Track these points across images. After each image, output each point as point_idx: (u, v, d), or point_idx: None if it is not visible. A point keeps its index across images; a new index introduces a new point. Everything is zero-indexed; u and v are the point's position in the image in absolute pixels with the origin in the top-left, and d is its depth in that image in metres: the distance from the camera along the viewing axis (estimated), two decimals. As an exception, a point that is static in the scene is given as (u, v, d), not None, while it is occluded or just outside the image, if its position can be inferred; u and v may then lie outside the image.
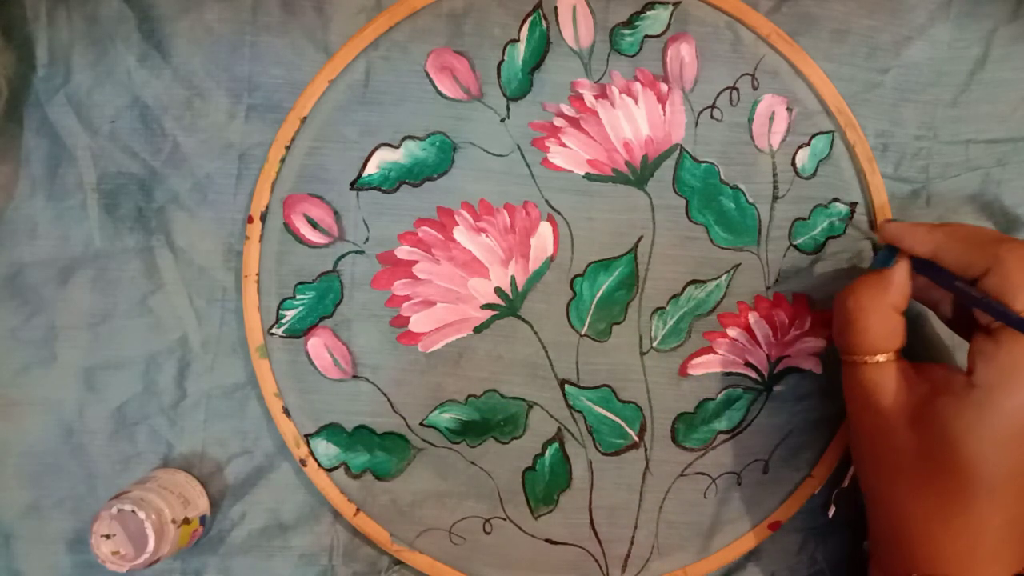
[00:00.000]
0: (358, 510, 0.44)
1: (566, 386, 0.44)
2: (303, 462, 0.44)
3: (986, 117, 0.45)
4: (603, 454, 0.44)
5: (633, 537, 0.45)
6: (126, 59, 0.44)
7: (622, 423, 0.44)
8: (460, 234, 0.44)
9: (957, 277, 0.37)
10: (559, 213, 0.44)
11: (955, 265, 0.37)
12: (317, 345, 0.44)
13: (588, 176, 0.44)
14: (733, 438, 0.45)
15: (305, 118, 0.44)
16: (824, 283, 0.45)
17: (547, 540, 0.45)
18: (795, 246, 0.45)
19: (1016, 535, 0.36)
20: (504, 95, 0.44)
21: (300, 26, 0.44)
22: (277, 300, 0.44)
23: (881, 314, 0.38)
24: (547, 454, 0.44)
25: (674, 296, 0.45)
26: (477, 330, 0.44)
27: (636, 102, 0.44)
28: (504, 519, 0.44)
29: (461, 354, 0.44)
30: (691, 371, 0.45)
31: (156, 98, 0.44)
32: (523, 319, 0.44)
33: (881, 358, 0.38)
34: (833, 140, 0.45)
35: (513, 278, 0.44)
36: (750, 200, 0.45)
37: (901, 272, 0.39)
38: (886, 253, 0.40)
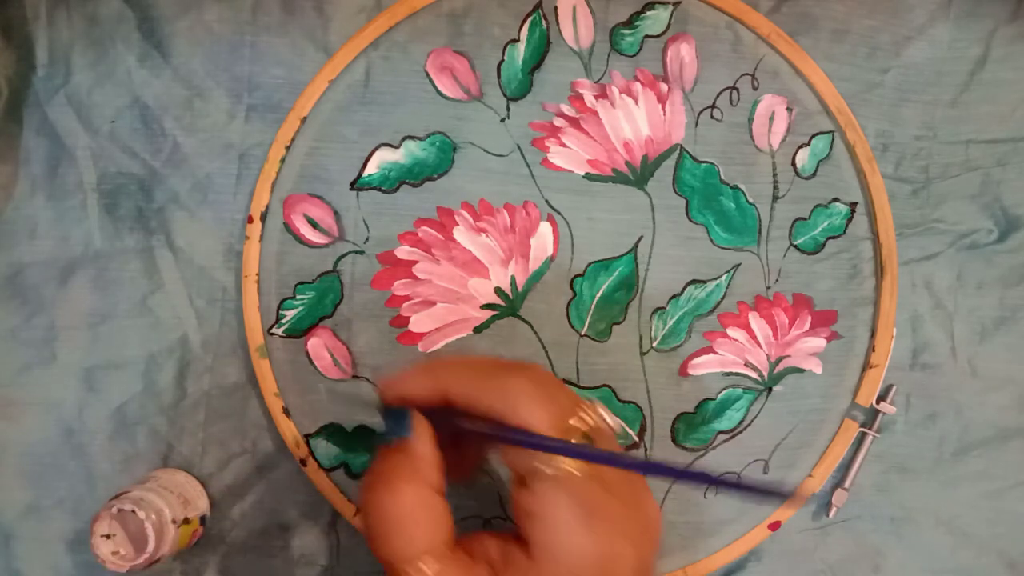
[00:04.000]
0: (358, 510, 0.44)
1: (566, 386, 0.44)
2: (303, 462, 0.44)
3: (986, 117, 0.45)
4: (603, 454, 0.44)
5: (633, 537, 0.45)
6: (126, 59, 0.44)
7: (622, 423, 0.44)
8: (460, 234, 0.44)
9: (471, 417, 0.31)
10: (559, 213, 0.44)
11: (466, 403, 0.31)
12: (317, 345, 0.44)
13: (588, 176, 0.44)
14: (733, 438, 0.45)
15: (305, 118, 0.44)
16: (824, 283, 0.45)
17: (547, 540, 0.45)
18: (795, 246, 0.45)
19: None
20: (504, 95, 0.44)
21: (300, 26, 0.44)
22: (277, 300, 0.44)
23: (418, 503, 0.30)
24: (547, 454, 0.44)
25: (674, 296, 0.45)
26: (477, 330, 0.44)
27: (636, 102, 0.44)
28: (504, 519, 0.44)
29: (461, 354, 0.44)
30: (691, 371, 0.45)
31: (156, 98, 0.44)
32: (523, 319, 0.44)
33: (426, 567, 0.30)
34: (833, 140, 0.45)
35: (513, 278, 0.44)
36: (750, 200, 0.45)
37: (423, 441, 0.31)
38: (395, 418, 0.32)
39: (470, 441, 0.35)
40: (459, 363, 0.34)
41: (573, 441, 0.30)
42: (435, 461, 0.32)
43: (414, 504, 0.30)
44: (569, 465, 0.29)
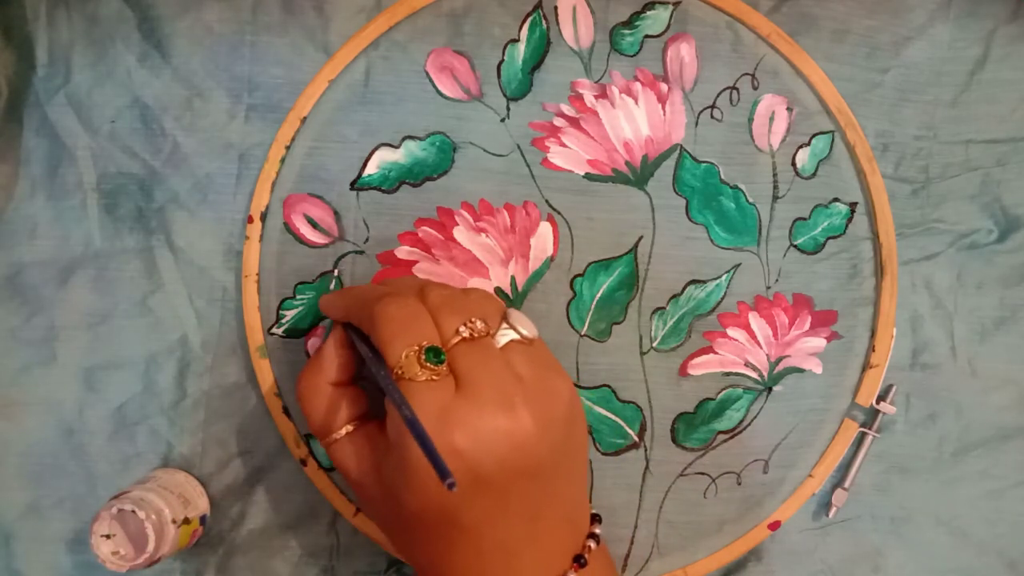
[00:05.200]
0: (358, 510, 0.44)
1: (566, 386, 0.44)
2: (303, 462, 0.44)
3: (986, 117, 0.45)
4: (603, 454, 0.44)
5: (633, 537, 0.45)
6: (126, 59, 0.44)
7: (622, 423, 0.44)
8: (460, 234, 0.44)
9: (363, 338, 0.36)
10: (559, 213, 0.44)
11: (357, 325, 0.37)
12: (317, 345, 0.44)
13: (588, 176, 0.44)
14: (733, 438, 0.45)
15: (305, 118, 0.44)
16: (824, 283, 0.45)
17: (547, 540, 0.45)
18: (795, 246, 0.45)
19: (520, 544, 0.35)
20: (504, 95, 0.44)
21: (300, 26, 0.44)
22: (277, 300, 0.44)
23: (319, 394, 0.37)
24: (547, 454, 0.44)
25: (674, 296, 0.45)
26: (477, 330, 0.44)
27: (636, 102, 0.44)
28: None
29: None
30: (691, 371, 0.45)
31: (156, 98, 0.44)
32: (523, 319, 0.44)
33: (337, 435, 0.37)
34: (833, 140, 0.45)
35: (513, 278, 0.44)
36: (750, 200, 0.45)
37: (328, 346, 0.38)
38: (330, 326, 0.39)
39: None
40: (356, 290, 0.39)
41: (455, 342, 0.34)
42: (336, 360, 0.38)
43: (309, 394, 0.37)
44: (416, 374, 0.33)
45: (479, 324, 0.35)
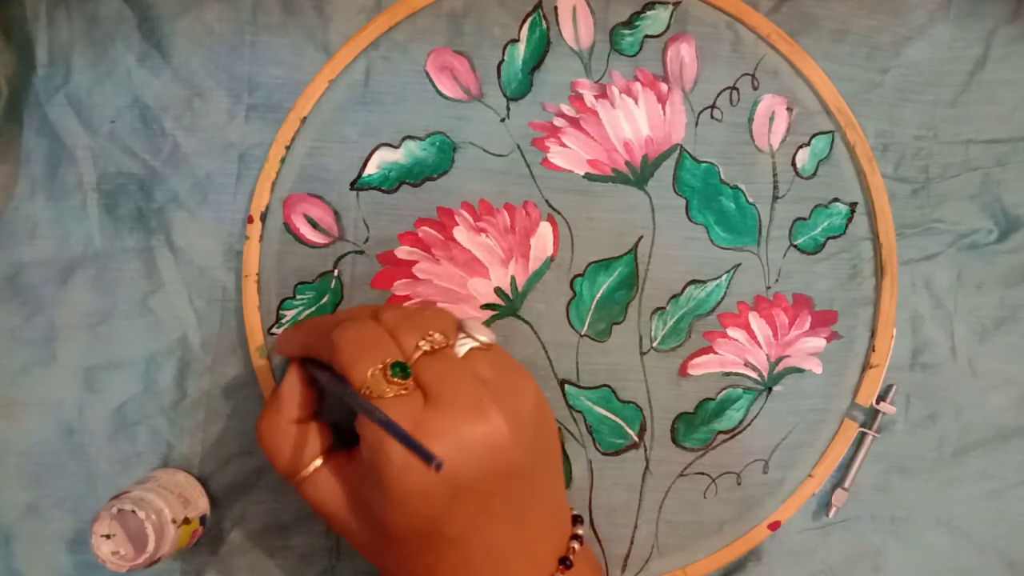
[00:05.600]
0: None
1: (566, 386, 0.44)
2: (303, 462, 0.44)
3: (986, 117, 0.45)
4: (603, 454, 0.44)
5: (633, 537, 0.45)
6: (126, 59, 0.44)
7: (622, 423, 0.44)
8: (460, 234, 0.44)
9: (324, 369, 0.36)
10: (559, 213, 0.44)
11: (316, 357, 0.37)
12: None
13: (588, 176, 0.44)
14: (733, 438, 0.45)
15: (305, 118, 0.44)
16: (824, 283, 0.45)
17: (547, 540, 0.45)
18: (795, 246, 0.45)
19: (507, 549, 0.35)
20: (504, 95, 0.44)
21: (300, 26, 0.44)
22: (277, 300, 0.44)
23: (281, 434, 0.37)
24: (547, 454, 0.44)
25: (674, 296, 0.45)
26: (477, 330, 0.44)
27: (636, 102, 0.44)
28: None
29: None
30: (691, 371, 0.45)
31: (156, 98, 0.44)
32: (523, 319, 0.44)
33: (306, 472, 0.37)
34: (833, 140, 0.45)
35: (513, 278, 0.44)
36: (750, 200, 0.45)
37: (286, 384, 0.37)
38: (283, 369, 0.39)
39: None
40: (311, 322, 0.39)
41: (417, 356, 0.34)
42: (294, 398, 0.37)
43: (271, 435, 0.37)
44: (384, 391, 0.33)
45: (438, 336, 0.35)
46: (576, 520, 0.39)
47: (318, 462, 0.37)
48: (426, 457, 0.29)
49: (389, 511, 0.33)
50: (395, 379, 0.33)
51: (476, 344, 0.36)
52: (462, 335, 0.36)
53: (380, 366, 0.34)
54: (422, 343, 0.35)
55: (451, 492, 0.33)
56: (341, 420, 0.39)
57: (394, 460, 0.32)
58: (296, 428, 0.37)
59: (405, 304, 0.44)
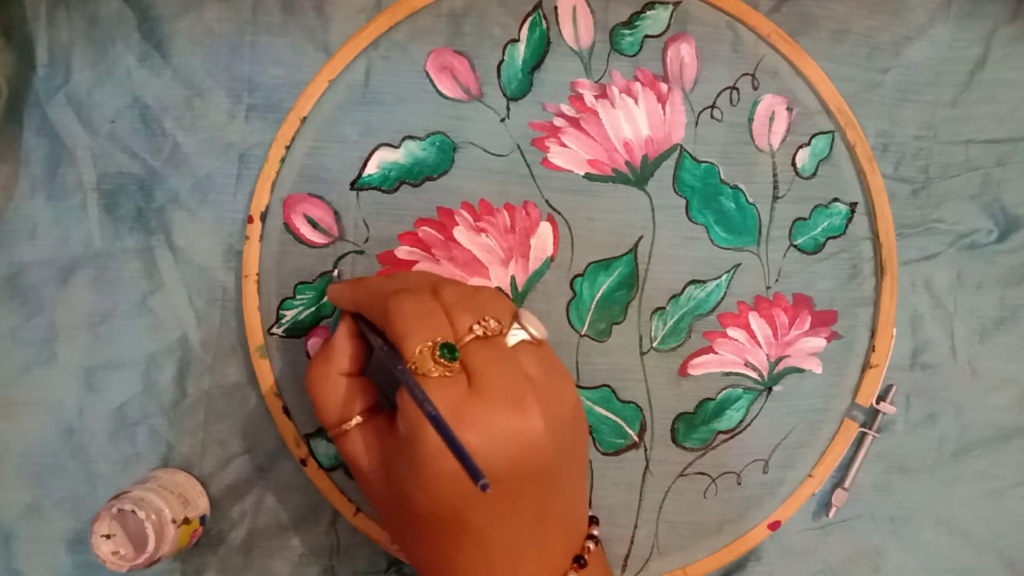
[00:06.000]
0: (358, 510, 0.44)
1: (566, 386, 0.44)
2: (303, 462, 0.44)
3: (986, 117, 0.45)
4: (603, 454, 0.44)
5: (633, 537, 0.45)
6: (126, 59, 0.44)
7: (622, 423, 0.44)
8: (460, 234, 0.44)
9: (376, 330, 0.36)
10: (559, 213, 0.44)
11: (368, 317, 0.37)
12: (317, 345, 0.44)
13: (588, 176, 0.44)
14: (733, 438, 0.45)
15: (305, 118, 0.44)
16: (824, 283, 0.45)
17: (547, 540, 0.45)
18: (795, 246, 0.45)
19: (525, 546, 0.35)
20: (504, 95, 0.44)
21: (300, 26, 0.44)
22: (277, 300, 0.44)
23: (329, 384, 0.37)
24: (547, 454, 0.44)
25: (674, 296, 0.45)
26: (477, 330, 0.44)
27: (636, 102, 0.44)
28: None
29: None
30: (691, 371, 0.45)
31: (156, 98, 0.44)
32: (523, 319, 0.44)
33: (347, 426, 0.37)
34: (833, 140, 0.45)
35: (513, 278, 0.44)
36: (750, 200, 0.45)
37: (339, 336, 0.38)
38: (337, 316, 0.39)
39: None
40: (368, 282, 0.39)
41: (444, 352, 0.33)
42: (346, 351, 0.38)
43: (319, 384, 0.37)
44: (430, 369, 0.33)
45: (492, 323, 0.35)
46: (592, 521, 0.39)
47: (359, 418, 0.37)
48: (474, 474, 0.29)
49: (417, 490, 0.33)
50: (442, 360, 0.33)
51: (527, 337, 0.36)
52: (516, 326, 0.36)
53: (430, 344, 0.33)
54: (476, 327, 0.35)
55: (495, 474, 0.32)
56: (381, 381, 0.39)
57: (428, 441, 0.32)
58: (344, 380, 0.37)
59: (465, 281, 0.44)
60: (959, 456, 0.45)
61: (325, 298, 0.44)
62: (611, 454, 0.44)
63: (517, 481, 0.33)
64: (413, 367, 0.33)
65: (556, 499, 0.35)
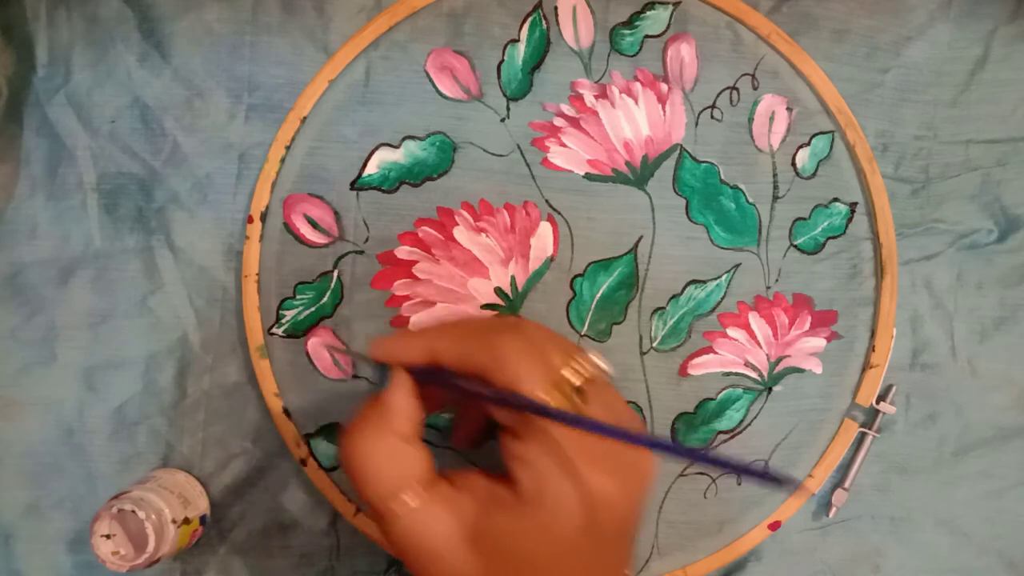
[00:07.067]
0: (358, 510, 0.44)
1: (566, 386, 0.44)
2: (303, 462, 0.44)
3: (986, 117, 0.45)
4: (603, 454, 0.44)
5: (633, 537, 0.45)
6: (126, 59, 0.44)
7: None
8: (460, 234, 0.44)
9: (464, 377, 0.32)
10: (559, 213, 0.44)
11: (457, 365, 0.32)
12: (317, 345, 0.44)
13: (588, 176, 0.44)
14: (733, 438, 0.45)
15: (305, 118, 0.44)
16: (824, 283, 0.45)
17: (547, 540, 0.45)
18: (795, 246, 0.45)
19: None
20: (504, 95, 0.44)
21: (300, 26, 0.44)
22: (277, 300, 0.44)
23: (387, 450, 0.32)
24: (547, 454, 0.44)
25: (674, 296, 0.45)
26: (477, 330, 0.44)
27: (636, 102, 0.44)
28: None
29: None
30: (691, 371, 0.45)
31: (156, 98, 0.44)
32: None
33: (408, 499, 0.31)
34: (833, 140, 0.45)
35: (513, 278, 0.44)
36: (750, 200, 0.45)
37: (396, 394, 0.33)
38: (381, 372, 0.34)
39: (471, 406, 0.36)
40: (449, 326, 0.35)
41: (566, 388, 0.31)
42: (407, 411, 0.33)
43: (377, 451, 0.32)
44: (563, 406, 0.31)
45: (587, 365, 0.32)
46: None
47: (415, 490, 0.32)
48: (777, 479, 0.28)
49: (542, 542, 0.30)
50: (570, 397, 0.31)
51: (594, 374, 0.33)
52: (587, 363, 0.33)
53: (556, 381, 0.31)
54: (575, 366, 0.32)
55: (613, 529, 0.31)
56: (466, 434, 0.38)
57: (569, 492, 0.29)
58: (402, 447, 0.32)
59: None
60: (959, 456, 0.45)
61: (324, 299, 0.44)
62: (611, 454, 0.44)
63: (628, 525, 0.32)
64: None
65: (629, 556, 0.33)
